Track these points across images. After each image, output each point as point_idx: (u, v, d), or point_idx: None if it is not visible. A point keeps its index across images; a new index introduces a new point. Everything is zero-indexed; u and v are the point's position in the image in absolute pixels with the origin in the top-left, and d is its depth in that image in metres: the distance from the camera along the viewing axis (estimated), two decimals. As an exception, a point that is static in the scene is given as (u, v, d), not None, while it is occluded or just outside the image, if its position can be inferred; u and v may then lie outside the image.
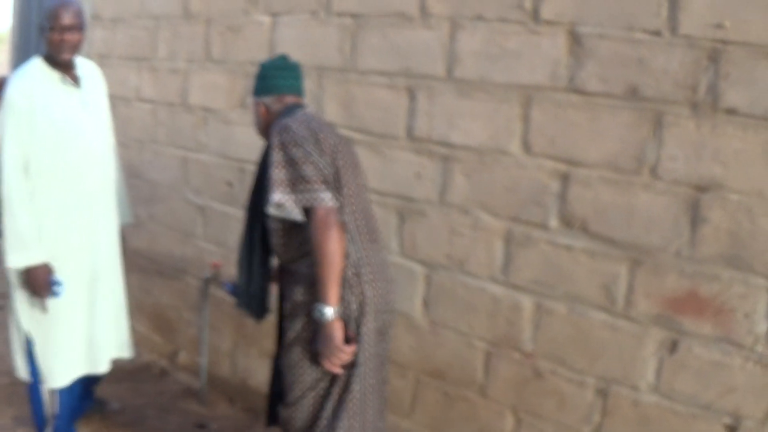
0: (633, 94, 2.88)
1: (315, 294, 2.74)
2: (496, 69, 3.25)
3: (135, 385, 4.78)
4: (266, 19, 4.17)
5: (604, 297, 3.04)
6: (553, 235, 3.16)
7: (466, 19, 3.33)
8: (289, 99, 3.04)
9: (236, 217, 4.38)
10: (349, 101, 3.79)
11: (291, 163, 2.71)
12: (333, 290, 2.70)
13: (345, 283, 2.77)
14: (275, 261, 3.05)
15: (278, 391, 3.06)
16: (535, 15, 3.11)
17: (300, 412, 2.86)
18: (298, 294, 2.86)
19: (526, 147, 3.20)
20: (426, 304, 3.61)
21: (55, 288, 3.42)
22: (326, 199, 2.69)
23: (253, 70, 4.16)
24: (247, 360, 4.46)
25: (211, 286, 4.28)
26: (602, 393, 3.08)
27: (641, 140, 2.88)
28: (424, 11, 3.45)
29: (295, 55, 3.89)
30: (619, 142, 2.94)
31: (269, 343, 4.24)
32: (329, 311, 2.70)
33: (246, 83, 4.27)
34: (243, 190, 4.36)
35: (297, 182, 2.70)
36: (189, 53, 4.69)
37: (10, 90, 3.39)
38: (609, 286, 3.02)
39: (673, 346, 2.87)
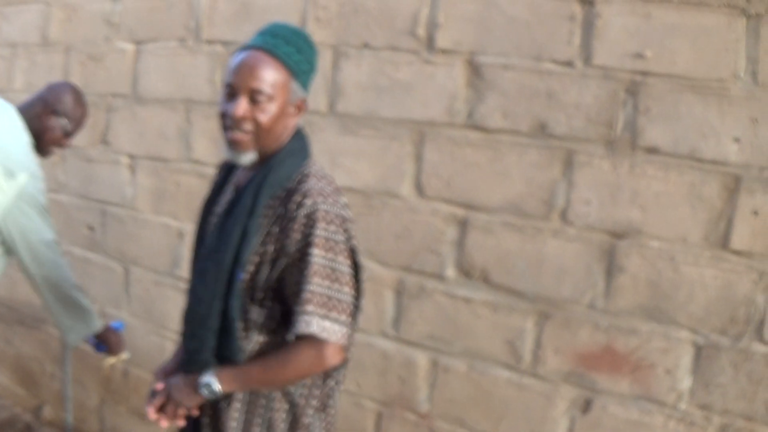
0: (541, 130, 2.44)
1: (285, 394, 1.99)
2: (384, 103, 2.75)
3: (-2, 443, 4.20)
4: (130, 47, 3.57)
5: (509, 353, 2.59)
6: (450, 286, 2.68)
7: (351, 48, 2.82)
8: None
9: (98, 263, 3.81)
10: (220, 138, 3.19)
11: (335, 276, 1.87)
12: (240, 390, 1.96)
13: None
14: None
15: None
16: (430, 43, 2.63)
17: None
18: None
19: (419, 189, 2.71)
20: (310, 360, 3.03)
21: None
22: (345, 335, 1.89)
23: (116, 103, 3.61)
24: (115, 417, 3.85)
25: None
26: (508, 457, 2.62)
27: (550, 182, 2.44)
28: (304, 39, 2.90)
29: (161, 87, 3.35)
30: (524, 184, 2.49)
31: (138, 400, 3.68)
32: (217, 389, 1.90)
33: (108, 117, 3.66)
34: (105, 235, 3.77)
35: (334, 307, 1.86)
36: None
37: None
38: (514, 341, 2.57)
39: (586, 405, 2.47)
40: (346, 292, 1.88)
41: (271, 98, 1.87)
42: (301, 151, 1.98)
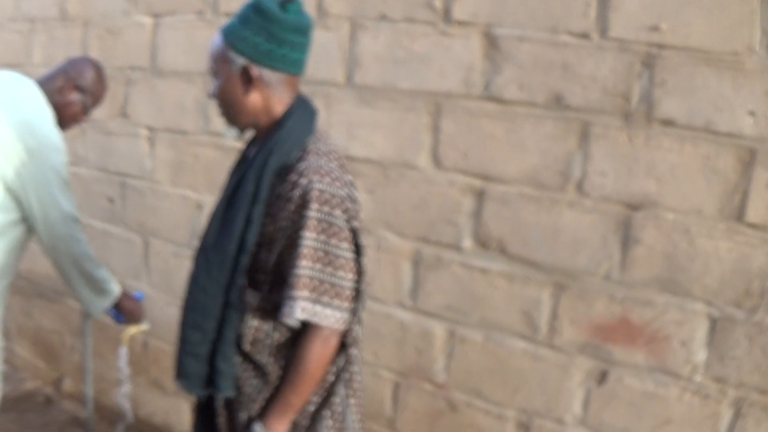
0: (557, 102, 2.48)
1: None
2: (401, 74, 2.80)
3: (19, 416, 4.25)
4: (148, 21, 3.63)
5: (525, 324, 2.65)
6: (467, 257, 2.73)
7: (368, 20, 2.86)
8: (298, 85, 2.02)
9: (118, 235, 3.91)
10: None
11: (328, 260, 1.84)
12: (290, 419, 1.95)
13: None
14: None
15: None
16: (447, 15, 2.67)
17: None
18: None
19: (436, 160, 2.76)
20: (328, 331, 3.10)
21: None
22: (345, 321, 1.88)
23: (135, 76, 3.68)
24: (135, 389, 3.91)
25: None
26: (524, 426, 2.71)
27: (566, 153, 2.49)
28: (322, 10, 2.97)
29: (180, 59, 3.41)
30: (540, 156, 2.54)
31: (157, 371, 3.77)
32: None
33: (126, 90, 3.73)
34: (124, 207, 3.85)
35: (325, 291, 1.84)
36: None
37: None
38: (530, 312, 2.63)
39: (601, 377, 2.53)
40: (341, 276, 1.84)
41: (216, 73, 1.94)
42: (301, 127, 1.95)
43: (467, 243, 2.72)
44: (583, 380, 2.55)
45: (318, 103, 2.88)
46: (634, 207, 2.38)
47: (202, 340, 1.97)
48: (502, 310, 2.68)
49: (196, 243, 3.48)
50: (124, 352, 3.08)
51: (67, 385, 4.46)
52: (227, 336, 1.94)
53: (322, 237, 1.81)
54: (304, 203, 1.80)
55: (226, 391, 1.98)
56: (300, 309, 1.80)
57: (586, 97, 2.41)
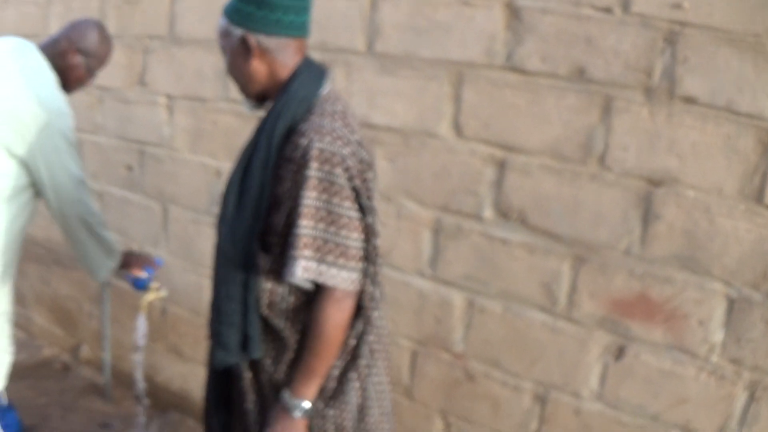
0: (579, 75, 2.49)
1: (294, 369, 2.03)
2: (423, 43, 2.80)
3: (37, 383, 4.33)
4: (166, -12, 3.63)
5: (544, 296, 2.69)
6: (488, 226, 2.76)
7: (389, -11, 2.86)
8: (304, 47, 2.05)
9: (137, 203, 3.95)
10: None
11: (330, 219, 1.84)
12: (317, 384, 1.99)
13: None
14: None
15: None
16: (469, -15, 2.66)
17: None
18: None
19: (458, 129, 2.78)
20: (347, 300, 3.15)
21: None
22: (354, 281, 1.89)
23: (153, 44, 3.70)
24: (152, 355, 3.99)
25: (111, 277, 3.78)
26: (540, 399, 2.76)
27: (588, 126, 2.50)
28: (343, -21, 2.97)
29: (199, 28, 3.44)
30: (562, 128, 2.55)
31: (176, 338, 3.84)
32: (306, 405, 1.99)
33: (145, 58, 3.76)
34: (143, 174, 3.89)
35: (330, 251, 1.85)
36: (83, 26, 4.10)
37: None
38: (550, 284, 2.66)
39: (619, 352, 2.56)
40: (345, 235, 1.85)
41: (224, 49, 2.02)
42: (306, 88, 1.96)
43: (488, 213, 2.75)
44: (600, 355, 2.59)
45: (338, 71, 2.93)
46: (655, 183, 2.39)
47: (237, 309, 2.00)
48: (521, 281, 2.71)
49: (215, 210, 3.56)
50: (142, 318, 3.14)
51: (85, 352, 4.53)
52: (251, 301, 1.99)
53: (324, 196, 1.82)
54: (304, 163, 1.82)
55: (255, 354, 2.03)
56: (302, 268, 1.81)
57: (608, 71, 2.42)
